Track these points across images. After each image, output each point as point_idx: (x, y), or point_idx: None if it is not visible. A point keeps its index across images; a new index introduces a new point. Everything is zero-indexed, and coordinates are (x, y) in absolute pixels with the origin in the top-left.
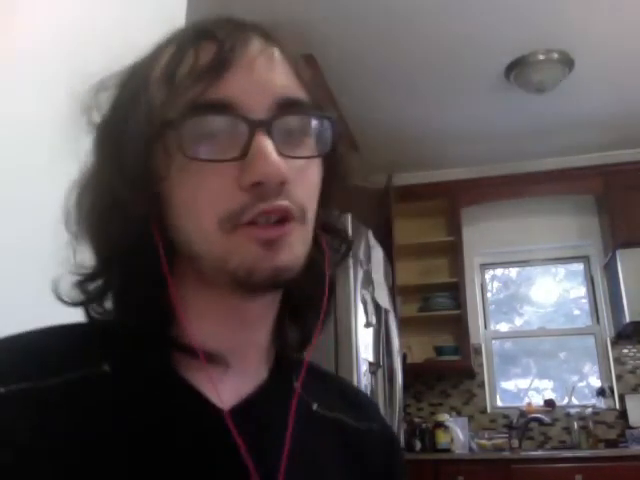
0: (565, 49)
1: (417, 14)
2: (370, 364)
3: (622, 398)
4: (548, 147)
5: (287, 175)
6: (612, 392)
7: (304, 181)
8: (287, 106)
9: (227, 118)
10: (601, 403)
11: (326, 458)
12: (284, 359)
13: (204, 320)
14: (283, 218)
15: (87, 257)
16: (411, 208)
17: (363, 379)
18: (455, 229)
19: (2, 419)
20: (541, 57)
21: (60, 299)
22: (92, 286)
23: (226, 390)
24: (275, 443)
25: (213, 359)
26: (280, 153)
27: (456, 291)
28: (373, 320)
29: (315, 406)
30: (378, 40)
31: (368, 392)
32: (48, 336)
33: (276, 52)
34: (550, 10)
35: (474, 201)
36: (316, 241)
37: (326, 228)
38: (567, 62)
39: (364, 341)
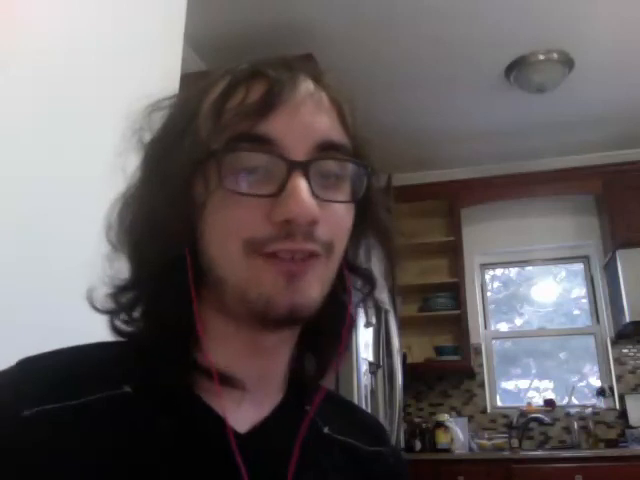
0: (565, 49)
1: (417, 14)
2: (370, 364)
3: (622, 398)
4: (548, 147)
5: (317, 216)
6: (612, 392)
7: (335, 223)
8: (326, 150)
9: (267, 156)
10: (601, 403)
11: (336, 479)
12: (297, 383)
13: (222, 347)
14: (307, 256)
15: (122, 268)
16: (411, 208)
17: (363, 379)
18: (455, 229)
19: (25, 441)
20: (541, 57)
21: (93, 307)
22: (123, 298)
23: (242, 415)
24: (284, 466)
25: (230, 383)
26: (314, 195)
27: (456, 291)
28: (373, 320)
29: (326, 429)
30: (378, 41)
31: (368, 392)
32: (71, 357)
33: (323, 96)
34: (550, 10)
35: (474, 201)
36: (341, 278)
37: (352, 268)
38: (567, 62)
39: (364, 341)
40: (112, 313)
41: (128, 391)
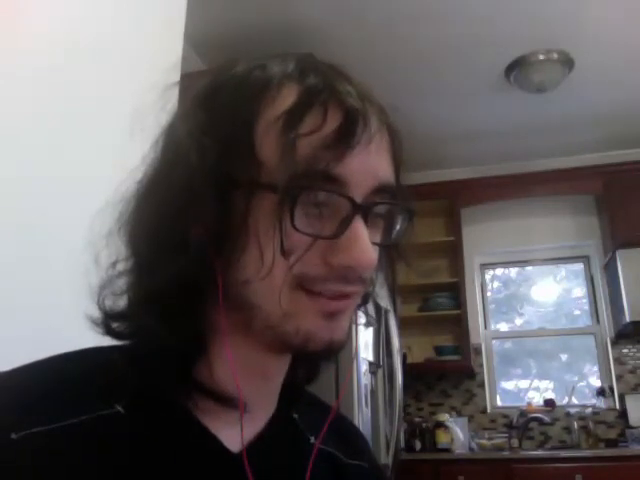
0: (565, 49)
1: (417, 15)
2: (370, 364)
3: (622, 398)
4: (548, 147)
5: (374, 264)
6: (612, 392)
7: (375, 262)
8: (381, 192)
9: (338, 197)
10: (601, 403)
11: None
12: (286, 392)
13: (227, 367)
14: (347, 295)
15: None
16: None
17: (363, 379)
18: (455, 229)
19: (13, 468)
20: (541, 57)
21: (102, 310)
22: (127, 306)
23: (238, 432)
24: (281, 478)
25: (234, 404)
26: (370, 240)
27: (456, 291)
28: (373, 320)
29: (312, 439)
30: (378, 41)
31: (368, 392)
32: (58, 371)
33: (385, 133)
34: (550, 10)
35: (474, 201)
36: None
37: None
38: (567, 62)
39: (364, 341)
40: (112, 316)
41: (119, 410)
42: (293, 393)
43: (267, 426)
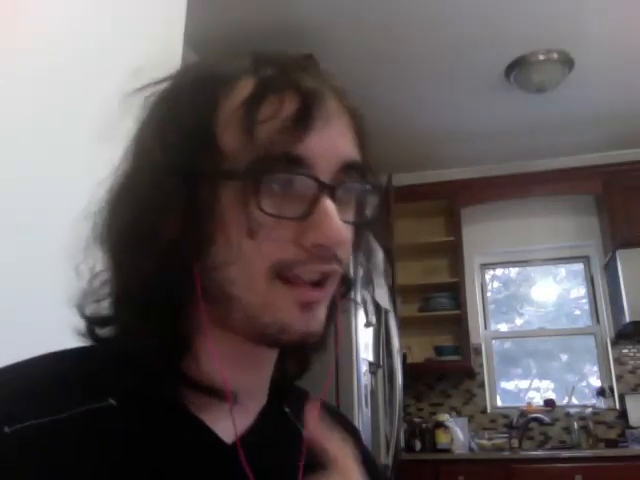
0: (565, 49)
1: (417, 14)
2: (370, 364)
3: (622, 398)
4: (548, 147)
5: (347, 239)
6: (612, 392)
7: (348, 242)
8: (347, 170)
9: (301, 178)
10: (601, 403)
11: None
12: (277, 385)
13: (216, 360)
14: (324, 279)
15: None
16: (411, 208)
17: (363, 379)
18: (455, 229)
19: (9, 460)
20: (541, 57)
21: (85, 317)
22: (111, 305)
23: (229, 424)
24: (276, 469)
25: (223, 396)
26: (340, 218)
27: (456, 291)
28: (373, 320)
29: (303, 430)
30: (378, 41)
31: (368, 392)
32: (48, 367)
33: (346, 114)
34: (550, 10)
35: (474, 201)
36: None
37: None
38: (567, 62)
39: (364, 341)
40: (96, 322)
41: (112, 404)
42: (283, 387)
43: (259, 418)
